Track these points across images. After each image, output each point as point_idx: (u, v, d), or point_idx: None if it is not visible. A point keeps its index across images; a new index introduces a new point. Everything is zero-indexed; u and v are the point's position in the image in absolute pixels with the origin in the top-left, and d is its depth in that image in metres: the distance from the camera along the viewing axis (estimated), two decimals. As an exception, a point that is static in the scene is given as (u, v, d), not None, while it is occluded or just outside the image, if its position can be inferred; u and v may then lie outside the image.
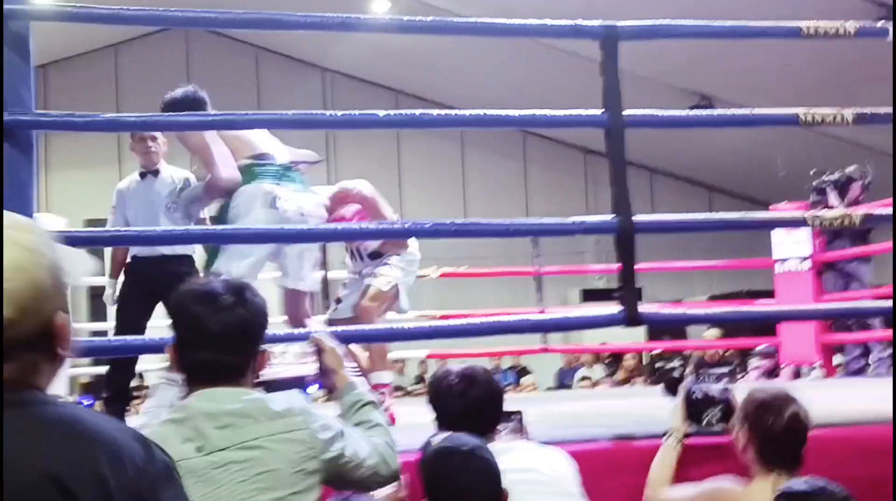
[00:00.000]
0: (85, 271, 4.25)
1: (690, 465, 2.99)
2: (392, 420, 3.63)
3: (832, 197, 7.25)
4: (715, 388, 3.05)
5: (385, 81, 15.41)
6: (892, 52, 3.58)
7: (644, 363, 12.04)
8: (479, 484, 2.25)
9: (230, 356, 2.15)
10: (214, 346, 2.13)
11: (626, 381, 10.91)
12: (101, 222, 5.98)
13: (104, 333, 6.06)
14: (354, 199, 4.72)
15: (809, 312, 5.77)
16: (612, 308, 3.45)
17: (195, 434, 2.08)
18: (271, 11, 4.00)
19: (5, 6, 3.15)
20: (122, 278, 5.19)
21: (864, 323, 7.16)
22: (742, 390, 2.98)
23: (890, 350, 7.58)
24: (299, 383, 4.98)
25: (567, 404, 6.22)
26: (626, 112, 3.48)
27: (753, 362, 8.57)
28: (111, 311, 5.43)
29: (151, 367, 6.82)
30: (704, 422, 3.00)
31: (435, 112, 3.64)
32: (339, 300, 4.76)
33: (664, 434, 3.04)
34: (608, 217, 3.46)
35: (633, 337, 10.28)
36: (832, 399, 4.60)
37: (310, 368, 2.74)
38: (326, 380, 2.56)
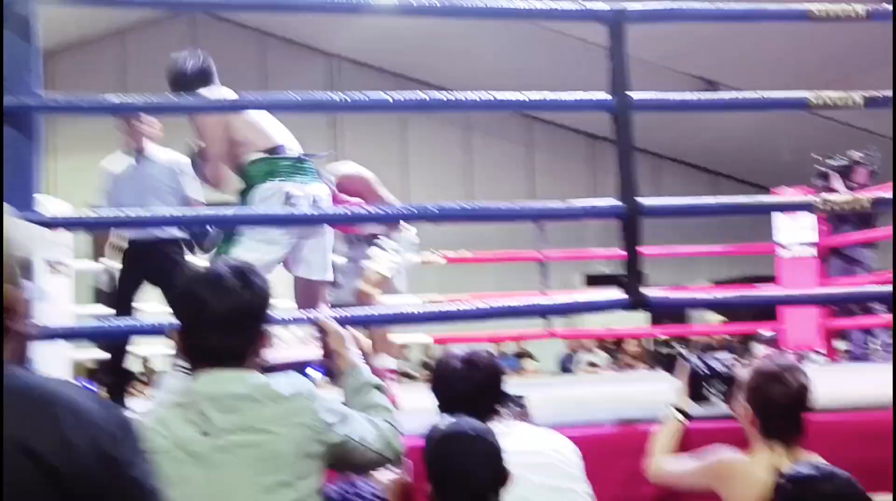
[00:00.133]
0: (44, 247, 4.28)
1: (692, 445, 3.00)
2: (394, 404, 3.63)
3: (836, 182, 7.25)
4: (717, 362, 3.06)
5: (391, 66, 15.37)
6: (893, 34, 3.56)
7: (646, 348, 12.04)
8: (483, 467, 2.25)
9: (235, 339, 2.16)
10: (220, 330, 2.14)
11: (628, 366, 10.92)
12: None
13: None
14: (354, 183, 4.73)
15: (814, 296, 5.76)
16: (617, 293, 3.45)
17: (199, 418, 2.08)
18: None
19: (10, -10, 3.15)
20: (111, 259, 5.22)
21: (869, 308, 7.16)
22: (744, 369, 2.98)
23: (890, 336, 7.59)
24: (302, 366, 4.99)
25: (570, 388, 6.24)
26: (632, 95, 3.47)
27: (757, 347, 8.58)
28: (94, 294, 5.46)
29: (157, 352, 6.84)
30: (708, 396, 3.00)
31: (441, 96, 3.63)
32: (335, 284, 4.75)
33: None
34: (614, 201, 3.45)
35: (636, 322, 10.28)
36: (835, 384, 4.60)
37: (314, 351, 2.75)
38: (331, 363, 2.56)
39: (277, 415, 2.11)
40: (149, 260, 5.01)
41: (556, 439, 2.74)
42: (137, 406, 3.81)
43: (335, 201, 4.48)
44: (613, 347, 11.95)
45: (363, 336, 4.40)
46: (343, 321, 2.70)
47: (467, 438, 2.28)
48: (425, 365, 11.94)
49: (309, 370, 5.09)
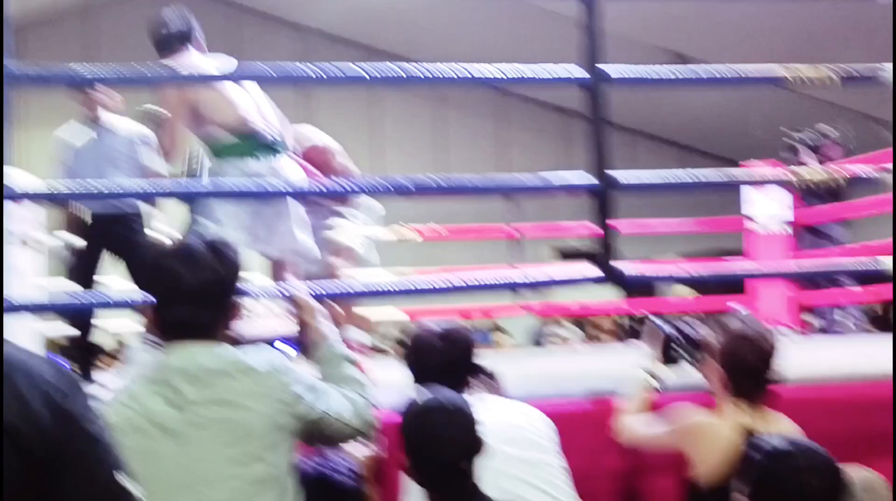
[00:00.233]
0: (30, 224, 4.24)
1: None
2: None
3: (804, 155, 7.27)
4: (686, 327, 3.08)
5: (364, 40, 15.28)
6: (893, 10, 3.56)
7: (617, 322, 12.10)
8: (457, 437, 2.26)
9: (207, 312, 2.15)
10: (192, 303, 2.13)
11: (597, 340, 10.98)
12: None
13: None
14: (319, 153, 4.68)
15: (787, 270, 5.79)
16: (590, 267, 3.46)
17: (171, 392, 2.07)
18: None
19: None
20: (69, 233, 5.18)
21: (837, 282, 7.21)
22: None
23: (860, 310, 7.66)
24: (274, 340, 4.98)
25: (541, 361, 6.26)
26: (606, 69, 3.45)
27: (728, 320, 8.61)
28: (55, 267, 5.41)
29: (128, 327, 6.80)
30: (677, 359, 3.02)
31: (415, 69, 3.60)
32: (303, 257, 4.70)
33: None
34: (587, 175, 3.45)
35: (606, 297, 10.31)
36: (803, 357, 4.64)
37: (286, 324, 2.74)
38: (303, 335, 2.56)
39: (249, 389, 2.10)
40: (110, 233, 4.96)
41: (529, 411, 2.75)
42: (107, 381, 3.79)
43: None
44: (583, 321, 12.00)
45: (336, 307, 4.39)
46: (314, 295, 2.69)
47: (442, 408, 2.28)
48: (397, 340, 11.96)
49: (279, 344, 5.08)
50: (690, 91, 12.56)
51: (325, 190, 4.24)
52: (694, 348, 3.01)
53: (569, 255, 14.20)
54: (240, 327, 2.24)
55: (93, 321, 5.02)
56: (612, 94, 3.50)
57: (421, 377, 2.67)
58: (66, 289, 5.04)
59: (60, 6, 13.98)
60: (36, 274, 5.22)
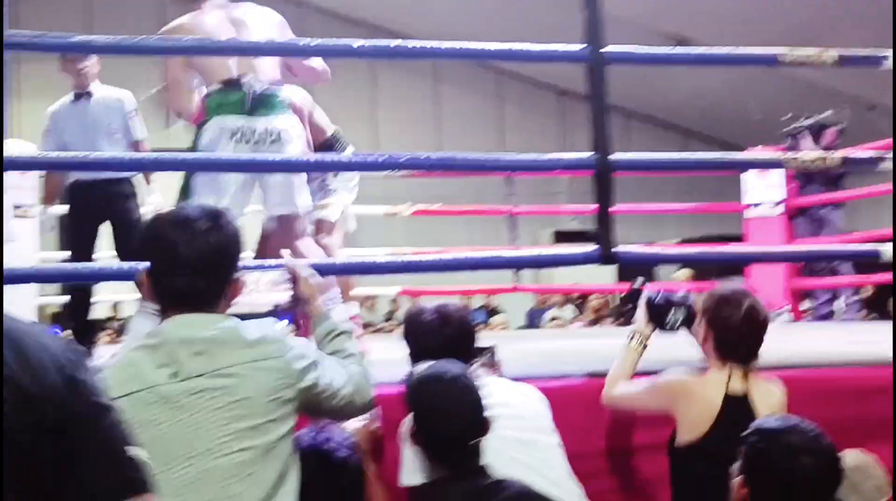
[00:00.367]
0: (24, 193, 4.21)
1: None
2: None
3: (806, 142, 7.27)
4: (677, 294, 3.08)
5: (360, 15, 15.24)
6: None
7: (612, 304, 12.11)
8: (464, 410, 2.26)
9: (205, 282, 2.13)
10: (190, 272, 2.11)
11: (595, 321, 10.99)
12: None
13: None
14: (296, 110, 4.52)
15: (784, 254, 5.79)
16: (588, 247, 3.44)
17: (169, 360, 2.06)
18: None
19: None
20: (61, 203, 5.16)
21: (834, 269, 7.22)
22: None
23: (857, 296, 7.67)
24: (272, 314, 4.96)
25: (538, 342, 6.26)
26: (606, 48, 3.44)
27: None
28: (48, 238, 5.39)
29: (126, 298, 6.79)
30: (667, 325, 3.02)
31: (411, 44, 3.57)
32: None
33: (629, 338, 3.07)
34: (586, 154, 3.44)
35: (603, 278, 10.32)
36: (799, 343, 4.65)
37: (283, 296, 2.72)
38: (301, 309, 2.55)
39: (248, 359, 2.09)
40: (100, 200, 4.94)
41: (525, 390, 2.75)
42: (105, 351, 3.78)
43: None
44: (580, 302, 12.02)
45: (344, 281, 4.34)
46: (314, 267, 2.68)
47: (447, 381, 2.29)
48: (391, 316, 11.97)
49: (277, 317, 5.07)
50: (692, 75, 12.56)
51: (323, 164, 4.19)
52: (685, 313, 3.00)
53: (567, 236, 14.21)
54: (239, 299, 2.23)
55: (91, 293, 5.02)
56: (614, 76, 3.48)
57: (419, 357, 2.67)
58: (62, 259, 5.03)
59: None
60: (31, 244, 5.21)
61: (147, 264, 2.19)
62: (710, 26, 12.38)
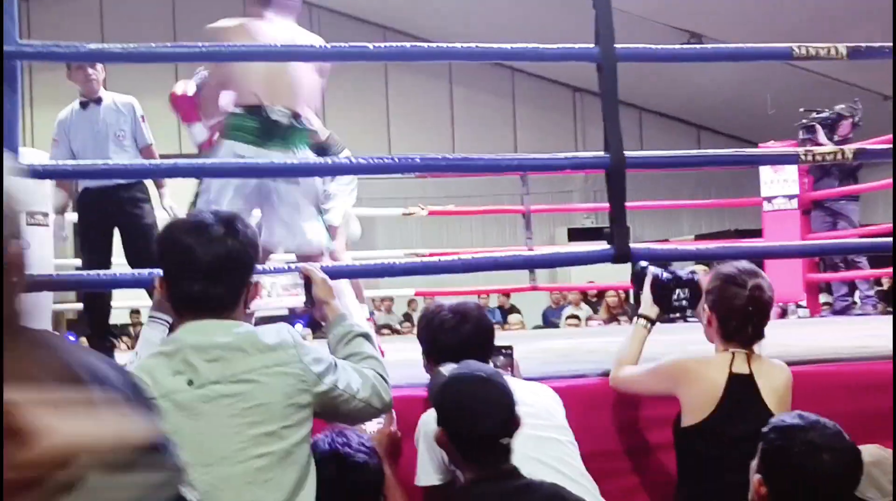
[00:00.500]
0: (39, 201, 4.21)
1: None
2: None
3: (821, 135, 7.24)
4: (682, 272, 3.06)
5: (372, 17, 15.25)
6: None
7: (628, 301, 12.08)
8: (500, 409, 2.25)
9: (220, 287, 2.13)
10: (205, 278, 2.11)
11: (611, 319, 10.96)
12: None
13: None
14: None
15: (798, 249, 5.76)
16: (602, 245, 3.43)
17: (185, 367, 2.06)
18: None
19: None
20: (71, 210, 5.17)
21: (851, 262, 7.19)
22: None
23: (874, 289, 7.63)
24: (286, 318, 4.97)
25: (554, 341, 6.25)
26: (618, 46, 3.42)
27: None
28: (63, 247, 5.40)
29: (146, 303, 6.81)
30: (674, 305, 3.00)
31: (426, 46, 3.57)
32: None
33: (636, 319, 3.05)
34: (600, 153, 3.42)
35: (619, 276, 10.28)
36: (817, 337, 4.62)
37: (299, 300, 2.73)
38: (317, 312, 2.54)
39: (264, 365, 2.09)
40: (110, 206, 4.94)
41: (541, 390, 2.75)
42: (121, 358, 3.78)
43: None
44: (596, 300, 11.99)
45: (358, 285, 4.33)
46: (327, 274, 2.68)
47: (478, 380, 2.28)
48: (408, 318, 11.97)
49: (293, 321, 5.08)
50: (705, 71, 12.53)
51: (338, 167, 4.18)
52: (691, 293, 2.99)
53: (580, 234, 14.19)
54: (255, 304, 2.23)
55: (107, 299, 5.03)
56: (626, 73, 3.47)
57: (437, 357, 2.66)
58: (77, 266, 5.04)
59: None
60: (46, 251, 5.22)
61: (162, 270, 2.19)
62: (723, 22, 12.36)
